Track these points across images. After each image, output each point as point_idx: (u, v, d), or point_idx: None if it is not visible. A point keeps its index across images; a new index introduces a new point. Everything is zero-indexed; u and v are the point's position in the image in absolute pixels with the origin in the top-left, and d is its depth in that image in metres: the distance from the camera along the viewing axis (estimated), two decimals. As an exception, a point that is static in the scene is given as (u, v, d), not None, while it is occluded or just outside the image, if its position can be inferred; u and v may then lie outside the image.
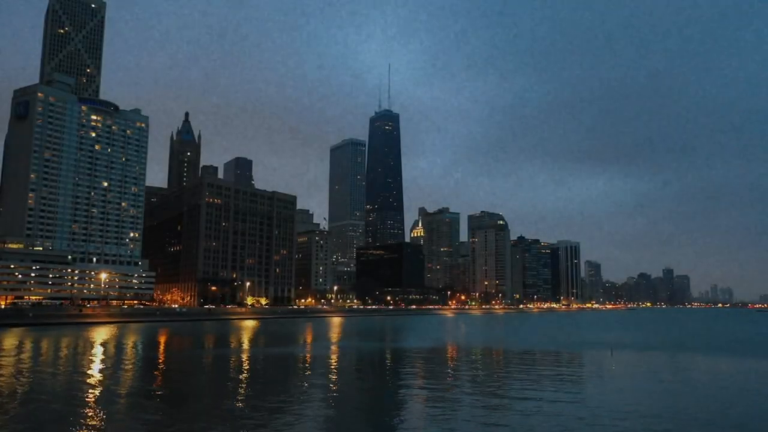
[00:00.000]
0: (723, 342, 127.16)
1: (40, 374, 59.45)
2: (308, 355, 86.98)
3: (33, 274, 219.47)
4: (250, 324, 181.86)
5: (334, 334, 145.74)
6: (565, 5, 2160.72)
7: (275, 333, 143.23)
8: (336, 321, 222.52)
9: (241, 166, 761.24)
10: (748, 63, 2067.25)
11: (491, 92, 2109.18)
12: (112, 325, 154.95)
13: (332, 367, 69.80)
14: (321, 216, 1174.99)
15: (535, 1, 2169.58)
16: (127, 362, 72.02)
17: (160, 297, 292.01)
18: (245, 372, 64.63)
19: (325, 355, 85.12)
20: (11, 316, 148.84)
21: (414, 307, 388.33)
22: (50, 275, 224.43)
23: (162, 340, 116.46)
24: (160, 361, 77.18)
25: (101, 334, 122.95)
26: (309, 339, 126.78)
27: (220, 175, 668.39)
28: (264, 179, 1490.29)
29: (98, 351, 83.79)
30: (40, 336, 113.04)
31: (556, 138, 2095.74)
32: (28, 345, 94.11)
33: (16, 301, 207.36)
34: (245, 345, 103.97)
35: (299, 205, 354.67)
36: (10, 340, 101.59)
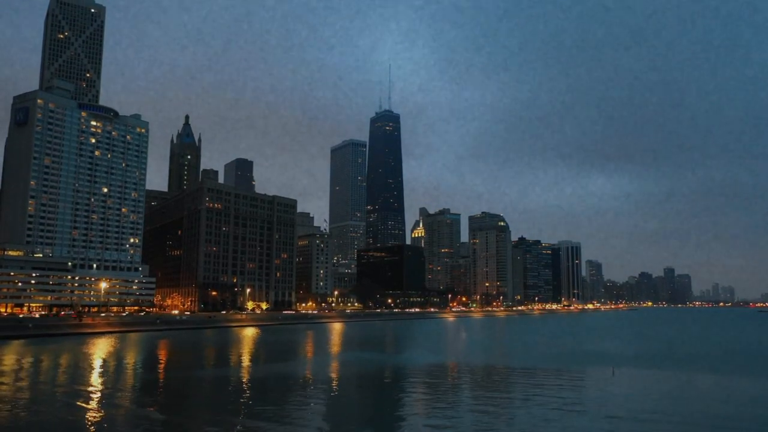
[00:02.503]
0: (729, 353, 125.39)
1: (35, 408, 58.74)
2: (308, 373, 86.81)
3: (33, 282, 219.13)
4: (250, 333, 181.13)
5: (335, 345, 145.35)
6: (569, 7, 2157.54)
7: (275, 344, 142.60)
8: (337, 327, 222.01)
9: (242, 168, 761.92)
10: (750, 64, 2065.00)
11: (492, 93, 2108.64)
12: (112, 336, 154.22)
13: (331, 394, 69.28)
14: (322, 217, 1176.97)
15: (538, 4, 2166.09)
16: (125, 388, 71.27)
17: (161, 302, 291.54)
18: (244, 401, 63.77)
19: (325, 375, 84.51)
20: (11, 328, 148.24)
21: (415, 310, 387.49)
22: (50, 282, 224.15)
23: (162, 355, 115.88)
24: (160, 383, 76.49)
25: (100, 348, 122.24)
26: (309, 352, 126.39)
27: (221, 176, 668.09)
28: (264, 180, 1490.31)
29: (95, 374, 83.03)
30: (39, 351, 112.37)
31: (557, 139, 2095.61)
32: (26, 364, 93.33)
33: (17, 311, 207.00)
34: (245, 362, 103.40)
35: (300, 207, 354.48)
36: (10, 357, 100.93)
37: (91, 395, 64.39)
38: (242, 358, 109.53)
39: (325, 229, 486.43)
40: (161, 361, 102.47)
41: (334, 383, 77.18)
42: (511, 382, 77.04)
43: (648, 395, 65.78)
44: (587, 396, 65.38)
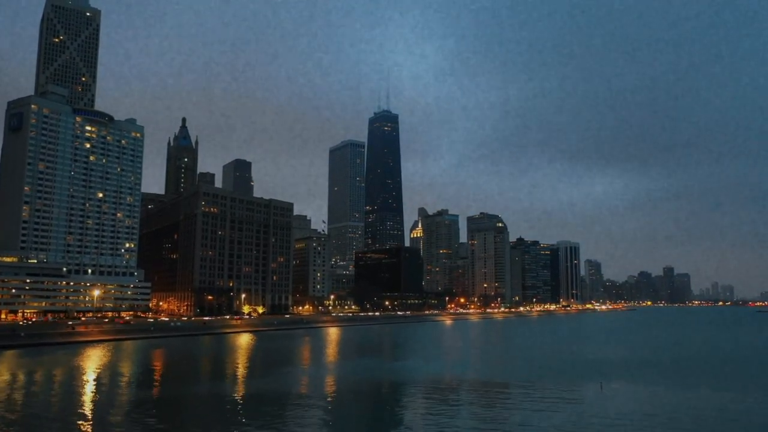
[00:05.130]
0: (731, 363, 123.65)
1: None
2: (304, 389, 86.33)
3: (27, 288, 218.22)
4: (245, 340, 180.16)
5: (331, 353, 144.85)
6: (570, 9, 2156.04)
7: (270, 354, 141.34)
8: (333, 333, 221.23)
9: (241, 169, 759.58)
10: (750, 65, 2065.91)
11: (491, 94, 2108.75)
12: (105, 344, 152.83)
13: (327, 414, 68.71)
14: (320, 218, 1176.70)
15: (540, 6, 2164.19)
16: (119, 408, 70.21)
17: (158, 306, 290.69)
18: (240, 422, 62.78)
19: (321, 391, 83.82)
20: (4, 338, 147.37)
21: (412, 313, 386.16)
22: (45, 288, 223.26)
23: (157, 367, 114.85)
24: (154, 401, 75.31)
25: (94, 360, 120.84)
26: (305, 362, 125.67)
27: (219, 177, 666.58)
28: (263, 181, 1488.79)
29: (89, 392, 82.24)
30: (33, 365, 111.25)
31: (556, 138, 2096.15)
32: (20, 380, 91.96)
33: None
34: (240, 374, 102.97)
35: (298, 208, 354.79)
36: (3, 372, 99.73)
37: (85, 416, 63.88)
38: (237, 370, 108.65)
39: (323, 230, 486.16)
40: (156, 376, 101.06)
41: (330, 400, 76.87)
42: (505, 402, 75.36)
43: (632, 418, 63.45)
44: (576, 419, 63.78)
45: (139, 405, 71.78)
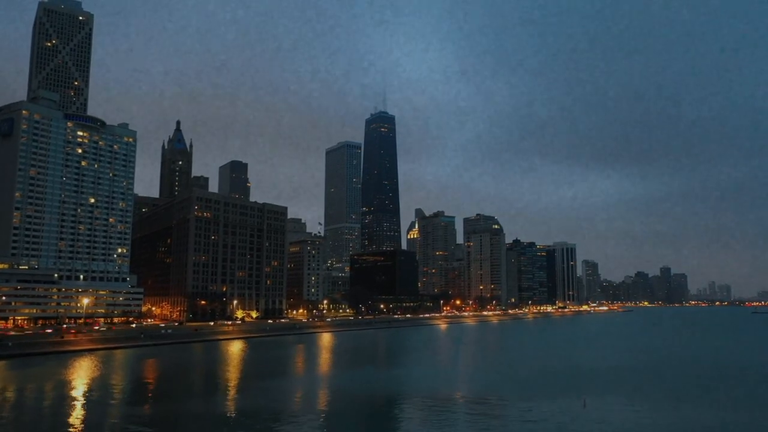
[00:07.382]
0: (723, 373, 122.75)
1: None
2: (297, 405, 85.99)
3: (18, 294, 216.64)
4: (238, 348, 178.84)
5: (323, 364, 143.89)
6: (568, 10, 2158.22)
7: (262, 364, 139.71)
8: (327, 339, 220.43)
9: (237, 170, 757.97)
10: (749, 66, 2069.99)
11: (489, 96, 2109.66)
12: (95, 354, 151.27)
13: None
14: (316, 219, 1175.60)
15: (539, 8, 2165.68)
16: (108, 429, 69.48)
17: (150, 311, 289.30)
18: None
19: (314, 407, 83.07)
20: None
21: (407, 316, 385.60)
22: (36, 295, 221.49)
23: (147, 380, 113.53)
24: (145, 419, 74.37)
25: (84, 372, 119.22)
26: (298, 372, 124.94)
27: (216, 179, 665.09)
28: (259, 183, 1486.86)
29: (78, 410, 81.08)
30: (21, 378, 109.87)
31: (553, 140, 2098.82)
32: (9, 397, 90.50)
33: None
34: (232, 388, 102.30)
35: (295, 209, 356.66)
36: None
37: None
38: (229, 383, 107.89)
39: (319, 232, 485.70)
40: (146, 391, 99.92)
41: (323, 417, 76.58)
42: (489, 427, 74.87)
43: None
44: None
45: (129, 422, 71.09)
